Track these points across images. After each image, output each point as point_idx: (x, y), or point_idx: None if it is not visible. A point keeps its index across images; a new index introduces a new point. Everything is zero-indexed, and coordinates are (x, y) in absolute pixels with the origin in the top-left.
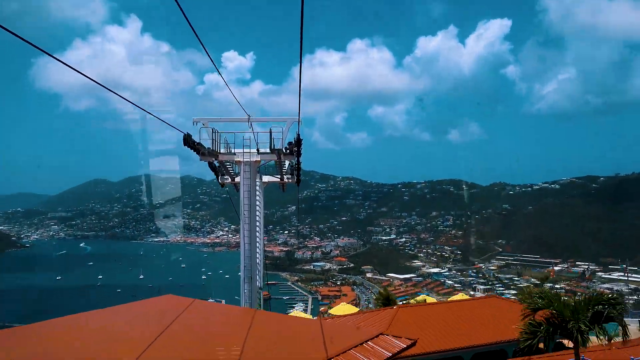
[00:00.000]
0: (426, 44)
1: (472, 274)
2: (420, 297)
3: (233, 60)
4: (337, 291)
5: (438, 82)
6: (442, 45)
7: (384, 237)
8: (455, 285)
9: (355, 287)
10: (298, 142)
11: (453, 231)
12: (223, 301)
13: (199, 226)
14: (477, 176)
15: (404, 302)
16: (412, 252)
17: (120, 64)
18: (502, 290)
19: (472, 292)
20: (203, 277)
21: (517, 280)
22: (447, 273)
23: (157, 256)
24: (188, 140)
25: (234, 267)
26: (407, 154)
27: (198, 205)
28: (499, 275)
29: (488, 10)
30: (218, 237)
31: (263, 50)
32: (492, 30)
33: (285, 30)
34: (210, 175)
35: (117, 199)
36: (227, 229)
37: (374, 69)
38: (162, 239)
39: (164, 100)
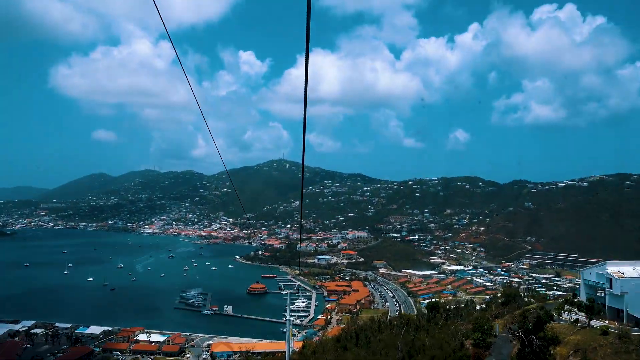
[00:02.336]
0: (424, 47)
1: (503, 272)
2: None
3: (253, 64)
4: (346, 286)
5: (443, 87)
6: (441, 48)
7: (395, 235)
8: (487, 284)
9: (367, 282)
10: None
11: (473, 228)
12: (209, 294)
13: (196, 219)
14: (494, 174)
15: (428, 300)
16: (429, 249)
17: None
18: (543, 290)
19: None
20: (185, 268)
21: (558, 281)
22: (472, 271)
23: (143, 246)
24: None
25: (228, 259)
26: (413, 154)
27: (197, 199)
28: (534, 274)
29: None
30: (215, 230)
31: (269, 54)
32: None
33: (277, 32)
34: (210, 171)
35: (114, 192)
36: (225, 222)
37: (372, 74)
38: (155, 230)
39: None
